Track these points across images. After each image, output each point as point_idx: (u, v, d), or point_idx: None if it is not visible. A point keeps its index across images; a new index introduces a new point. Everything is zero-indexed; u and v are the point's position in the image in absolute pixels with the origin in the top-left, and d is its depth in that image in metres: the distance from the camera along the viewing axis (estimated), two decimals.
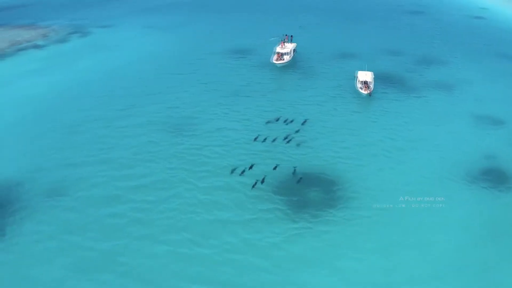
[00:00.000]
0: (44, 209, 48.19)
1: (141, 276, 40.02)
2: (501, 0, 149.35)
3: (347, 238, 44.07)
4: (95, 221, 46.44)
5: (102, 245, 43.38)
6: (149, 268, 40.76)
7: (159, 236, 44.11)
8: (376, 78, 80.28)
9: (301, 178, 52.06)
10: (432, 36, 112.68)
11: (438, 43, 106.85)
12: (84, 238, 44.28)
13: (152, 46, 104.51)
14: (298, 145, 58.83)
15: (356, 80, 76.78)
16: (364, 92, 73.59)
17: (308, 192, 49.88)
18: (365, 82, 74.56)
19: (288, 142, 59.21)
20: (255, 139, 60.00)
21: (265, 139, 59.74)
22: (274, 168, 53.46)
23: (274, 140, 59.60)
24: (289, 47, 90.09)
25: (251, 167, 53.46)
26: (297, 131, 61.99)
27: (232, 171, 53.25)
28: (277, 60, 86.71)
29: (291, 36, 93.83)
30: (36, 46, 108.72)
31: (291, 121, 64.51)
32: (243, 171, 53.06)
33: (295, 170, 53.33)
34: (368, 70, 78.94)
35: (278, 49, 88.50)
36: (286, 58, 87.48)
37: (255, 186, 50.27)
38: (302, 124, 63.81)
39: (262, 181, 51.05)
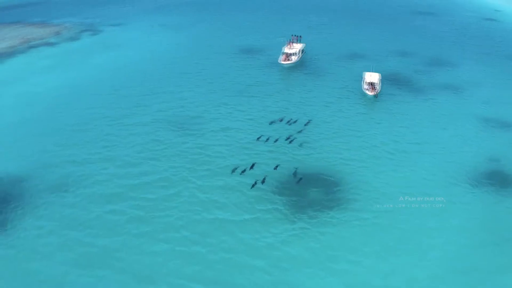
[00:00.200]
0: (46, 205, 48.89)
1: (139, 272, 40.37)
2: None
3: (345, 239, 43.92)
4: (96, 217, 46.96)
5: (101, 242, 43.87)
6: (147, 265, 41.11)
7: (158, 234, 44.47)
8: (384, 79, 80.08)
9: (301, 178, 52.09)
10: (442, 37, 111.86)
11: (449, 44, 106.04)
12: (84, 234, 44.83)
13: (161, 45, 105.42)
14: (300, 145, 58.86)
15: (363, 81, 76.55)
16: (370, 93, 73.36)
17: (308, 192, 49.84)
18: (372, 83, 74.33)
19: (290, 142, 59.25)
20: (258, 139, 60.21)
21: (267, 139, 59.89)
22: (275, 168, 53.60)
23: (276, 140, 59.72)
24: (297, 47, 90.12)
25: (252, 167, 53.65)
26: (299, 132, 61.97)
27: (233, 170, 53.47)
28: (284, 60, 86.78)
29: (299, 36, 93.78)
30: (48, 44, 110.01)
31: (295, 122, 64.62)
32: (244, 171, 53.30)
33: (295, 170, 53.34)
34: (375, 71, 78.69)
35: (286, 49, 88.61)
36: (294, 58, 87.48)
37: (255, 186, 50.37)
38: (305, 125, 63.80)
39: (263, 181, 51.17)
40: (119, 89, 79.53)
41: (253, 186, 50.31)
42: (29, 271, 40.92)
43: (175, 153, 57.65)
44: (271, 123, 64.63)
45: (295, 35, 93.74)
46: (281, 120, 64.98)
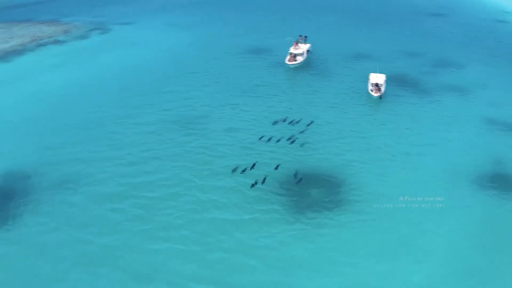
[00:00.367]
0: (49, 202, 49.45)
1: (138, 271, 40.67)
2: None
3: (344, 241, 43.82)
4: (97, 215, 47.41)
5: (102, 239, 44.27)
6: (146, 263, 41.41)
7: (157, 233, 44.78)
8: (390, 80, 79.86)
9: (301, 179, 52.10)
10: (451, 39, 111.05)
11: (457, 46, 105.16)
12: (85, 232, 45.26)
13: (170, 44, 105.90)
14: (302, 145, 58.84)
15: (369, 82, 76.38)
16: (375, 94, 73.21)
17: (308, 193, 49.85)
18: (377, 85, 74.15)
19: (291, 143, 59.28)
20: (260, 138, 60.31)
21: (269, 139, 60.00)
22: (276, 168, 53.67)
23: (278, 140, 59.80)
24: (303, 48, 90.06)
25: (252, 167, 53.78)
26: (301, 132, 62.03)
27: (234, 170, 53.66)
28: (289, 61, 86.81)
29: (305, 36, 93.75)
30: (57, 42, 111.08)
31: (297, 122, 64.64)
32: (244, 170, 53.50)
33: (296, 171, 53.35)
34: (381, 72, 78.49)
35: (292, 49, 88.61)
36: (300, 59, 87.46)
37: (255, 186, 50.52)
38: (308, 125, 63.76)
39: (263, 182, 51.26)
40: (125, 88, 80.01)
41: (252, 186, 50.44)
42: (29, 268, 41.38)
43: (178, 152, 57.93)
44: (274, 123, 64.74)
45: (301, 35, 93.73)
46: (284, 120, 65.06)
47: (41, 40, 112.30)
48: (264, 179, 51.52)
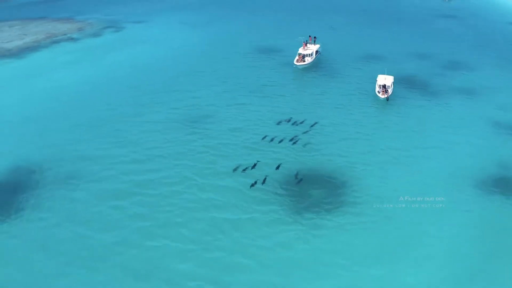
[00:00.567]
0: (52, 198, 50.05)
1: (135, 267, 40.99)
2: None
3: (341, 243, 43.63)
4: (98, 212, 47.87)
5: (102, 236, 44.63)
6: (143, 260, 41.72)
7: (156, 230, 45.11)
8: (399, 82, 79.58)
9: (301, 179, 52.18)
10: (463, 41, 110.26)
11: (469, 48, 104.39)
12: (86, 227, 45.69)
13: (180, 43, 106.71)
14: (305, 146, 58.91)
15: (376, 83, 76.17)
16: (382, 96, 72.99)
17: (307, 194, 49.83)
18: (384, 86, 73.90)
19: (294, 143, 59.35)
20: (263, 138, 60.54)
21: (272, 139, 60.17)
22: (277, 168, 53.79)
23: (281, 140, 59.90)
24: (312, 48, 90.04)
25: (253, 167, 54.03)
26: (304, 132, 62.12)
27: (235, 169, 53.97)
28: (298, 61, 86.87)
29: (315, 37, 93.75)
30: (71, 39, 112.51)
31: (301, 122, 64.68)
32: (245, 169, 53.80)
33: (297, 171, 53.45)
34: (389, 74, 78.20)
35: (300, 50, 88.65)
36: (308, 59, 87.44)
37: (255, 186, 50.72)
38: (312, 126, 63.78)
39: (263, 182, 51.43)
40: (135, 86, 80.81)
41: (252, 185, 50.67)
42: (30, 262, 41.93)
43: (181, 151, 58.38)
44: (279, 123, 64.94)
45: (311, 36, 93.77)
46: (288, 121, 65.19)
47: (55, 37, 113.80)
48: (265, 179, 51.68)
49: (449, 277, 40.55)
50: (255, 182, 51.18)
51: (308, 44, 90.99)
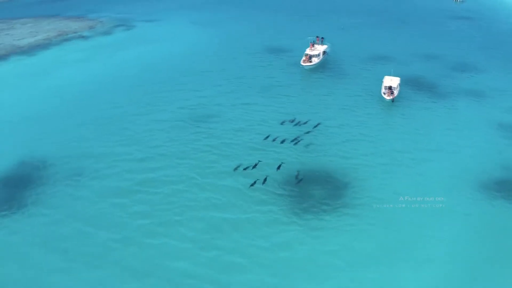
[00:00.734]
0: (56, 194, 50.83)
1: (132, 265, 41.41)
2: None
3: (339, 244, 43.58)
4: (100, 209, 48.46)
5: (101, 233, 45.10)
6: (142, 257, 42.16)
7: (156, 228, 45.53)
8: (406, 83, 79.37)
9: (301, 179, 52.29)
10: (474, 43, 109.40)
11: (480, 50, 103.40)
12: (86, 224, 46.26)
13: (189, 42, 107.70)
14: (307, 147, 58.96)
15: (382, 85, 75.98)
16: (387, 97, 72.81)
17: (307, 195, 49.83)
18: (390, 88, 73.70)
19: (296, 143, 59.44)
20: (265, 138, 60.74)
21: (275, 139, 60.35)
22: (278, 168, 53.93)
23: (283, 141, 60.03)
24: (319, 49, 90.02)
25: (254, 166, 54.26)
26: (307, 133, 62.22)
27: (235, 168, 54.28)
28: (304, 62, 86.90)
29: (322, 38, 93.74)
30: (82, 37, 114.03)
31: (305, 123, 64.73)
32: (246, 169, 54.07)
33: (298, 172, 53.54)
34: (396, 75, 77.91)
35: (308, 51, 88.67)
36: (315, 60, 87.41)
37: (255, 186, 50.90)
38: (315, 127, 63.80)
39: (264, 182, 51.56)
40: (143, 84, 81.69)
41: (252, 185, 50.89)
42: (30, 258, 42.61)
43: (184, 150, 58.84)
44: (282, 123, 65.13)
45: (318, 37, 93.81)
46: (292, 121, 65.33)
47: (66, 35, 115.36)
48: (265, 179, 51.83)
49: (448, 281, 40.29)
50: (255, 182, 51.38)
51: (315, 45, 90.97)
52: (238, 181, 51.94)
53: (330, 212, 47.43)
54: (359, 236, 44.73)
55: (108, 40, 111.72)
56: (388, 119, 68.67)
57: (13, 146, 60.40)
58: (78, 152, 58.90)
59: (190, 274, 40.39)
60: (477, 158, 58.28)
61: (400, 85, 76.68)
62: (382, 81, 76.98)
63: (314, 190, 50.73)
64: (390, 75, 77.76)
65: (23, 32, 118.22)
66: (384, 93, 73.59)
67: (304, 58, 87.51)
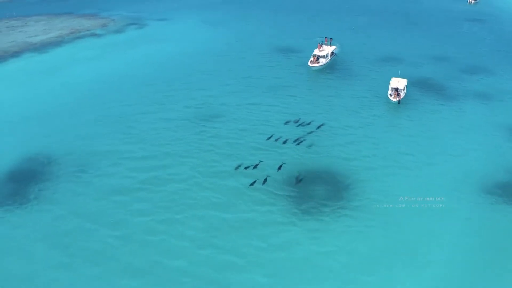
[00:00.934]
0: (59, 191, 51.64)
1: (130, 262, 41.91)
2: None
3: (336, 247, 43.54)
4: (101, 206, 49.13)
5: (102, 230, 45.74)
6: (139, 255, 42.59)
7: (155, 225, 46.04)
8: (414, 85, 79.18)
9: (301, 180, 52.45)
10: (486, 45, 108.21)
11: (491, 53, 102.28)
12: (88, 221, 46.91)
13: (200, 42, 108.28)
14: (309, 147, 59.07)
15: (389, 86, 75.70)
16: (393, 99, 72.57)
17: (307, 195, 49.92)
18: (396, 89, 73.43)
19: (298, 144, 59.57)
20: (268, 138, 60.96)
21: (277, 139, 60.54)
22: (279, 169, 54.09)
23: (285, 141, 60.23)
24: (327, 50, 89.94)
25: (255, 166, 54.52)
26: (309, 133, 62.39)
27: (236, 168, 54.63)
28: (312, 63, 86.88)
29: (331, 38, 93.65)
30: (94, 35, 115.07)
31: (308, 124, 64.87)
32: (247, 168, 54.41)
33: (299, 172, 53.66)
34: (404, 77, 77.53)
35: (315, 51, 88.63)
36: (323, 61, 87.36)
37: (255, 185, 51.15)
38: (318, 127, 63.88)
39: (264, 182, 51.75)
40: (151, 83, 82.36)
41: (251, 184, 51.17)
42: (31, 252, 43.31)
43: (188, 149, 59.28)
44: (286, 123, 65.36)
45: (327, 37, 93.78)
46: (296, 122, 65.48)
47: (79, 33, 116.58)
48: (265, 179, 52.06)
49: (447, 285, 40.17)
50: (255, 182, 51.66)
51: (323, 46, 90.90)
52: (239, 181, 52.24)
53: (329, 213, 47.48)
54: (357, 238, 44.73)
55: (119, 39, 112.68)
56: (394, 121, 68.45)
57: (20, 142, 61.46)
58: (83, 149, 59.67)
59: (187, 272, 40.74)
60: (482, 161, 57.87)
61: (407, 87, 76.41)
62: (389, 83, 76.63)
63: (314, 191, 50.83)
64: (397, 76, 77.36)
65: (37, 30, 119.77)
66: (391, 95, 73.36)
67: (311, 59, 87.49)
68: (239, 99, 74.34)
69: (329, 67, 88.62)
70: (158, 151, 59.05)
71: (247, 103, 72.60)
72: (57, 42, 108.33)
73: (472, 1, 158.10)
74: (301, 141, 60.28)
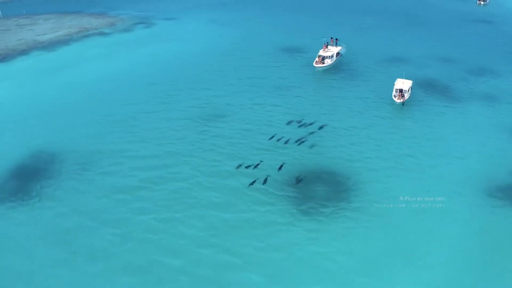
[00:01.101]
0: (61, 188, 51.99)
1: (129, 260, 42.20)
2: None
3: (334, 248, 43.46)
4: (103, 204, 49.43)
5: (102, 228, 46.06)
6: (138, 253, 42.87)
7: (155, 223, 46.33)
8: (420, 86, 78.98)
9: (301, 180, 52.52)
10: (494, 47, 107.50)
11: (499, 55, 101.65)
12: (88, 218, 47.23)
13: (207, 42, 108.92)
14: (311, 148, 59.10)
15: (394, 87, 75.50)
16: (397, 100, 72.39)
17: (307, 196, 49.87)
18: (401, 91, 73.23)
19: (299, 144, 59.62)
20: (270, 138, 61.09)
21: (279, 140, 60.63)
22: (279, 169, 54.19)
23: (287, 141, 60.28)
24: (333, 50, 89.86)
25: (256, 166, 54.67)
26: (311, 133, 62.47)
27: (237, 167, 54.85)
28: (317, 63, 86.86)
29: (336, 39, 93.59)
30: (102, 34, 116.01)
31: (311, 124, 64.85)
32: (248, 167, 54.61)
33: (299, 173, 53.68)
34: (409, 78, 77.33)
35: (321, 52, 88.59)
36: (328, 62, 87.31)
37: (254, 185, 51.28)
38: (320, 128, 63.89)
39: (264, 182, 51.86)
40: (156, 83, 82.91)
41: (251, 184, 51.33)
42: (32, 249, 43.70)
43: (190, 148, 59.45)
44: (289, 123, 65.45)
45: (332, 38, 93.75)
46: (299, 122, 65.53)
47: (87, 32, 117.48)
48: (266, 179, 52.17)
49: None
50: (255, 181, 51.83)
51: (329, 46, 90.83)
52: (239, 181, 52.38)
53: (328, 214, 47.46)
54: (355, 239, 44.60)
55: (127, 38, 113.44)
56: (397, 122, 68.28)
57: (24, 140, 62.09)
58: (86, 147, 60.14)
59: (186, 271, 40.90)
60: (485, 164, 57.52)
61: (412, 88, 76.18)
62: (394, 84, 76.48)
63: (314, 191, 50.84)
64: (402, 77, 77.12)
65: (45, 28, 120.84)
66: (395, 96, 73.17)
67: (316, 59, 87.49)
68: (243, 99, 74.53)
69: (334, 67, 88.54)
70: (160, 150, 59.36)
71: (251, 103, 72.78)
72: (65, 41, 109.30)
73: (482, 2, 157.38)
74: (303, 142, 60.31)
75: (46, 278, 40.77)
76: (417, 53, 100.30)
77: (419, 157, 58.52)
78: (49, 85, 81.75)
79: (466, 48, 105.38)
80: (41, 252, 43.42)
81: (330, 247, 43.58)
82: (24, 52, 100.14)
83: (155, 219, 47.11)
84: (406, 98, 72.96)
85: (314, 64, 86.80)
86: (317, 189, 51.31)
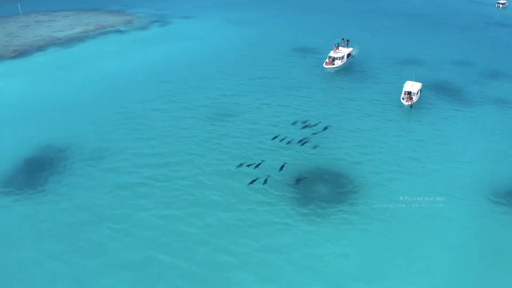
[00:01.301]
0: (67, 184, 52.91)
1: (125, 256, 42.85)
2: None
3: (330, 250, 43.54)
4: (105, 199, 50.31)
5: (103, 223, 46.86)
6: (134, 249, 43.48)
7: (154, 221, 46.99)
8: (431, 89, 78.69)
9: (301, 180, 52.76)
10: (509, 51, 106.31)
11: None
12: (90, 214, 48.17)
13: (221, 41, 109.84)
14: (314, 148, 59.29)
15: (402, 90, 75.15)
16: (406, 103, 72.07)
17: (306, 197, 50.06)
18: (409, 93, 72.89)
19: (302, 144, 59.82)
20: (273, 138, 61.40)
21: (282, 140, 60.90)
22: (281, 169, 54.45)
23: (290, 141, 60.53)
24: (344, 51, 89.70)
25: (257, 166, 55.03)
26: (314, 134, 62.66)
27: (239, 166, 55.32)
28: (327, 64, 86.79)
29: (347, 40, 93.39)
30: (118, 31, 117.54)
31: (315, 125, 65.01)
32: (249, 166, 55.10)
33: (300, 173, 53.92)
34: (418, 80, 76.97)
35: (331, 53, 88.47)
36: (338, 63, 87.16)
37: (253, 184, 51.69)
38: (324, 129, 64.01)
39: (265, 181, 52.16)
40: (169, 81, 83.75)
41: (250, 183, 51.74)
42: (34, 243, 44.69)
43: (196, 147, 60.06)
44: (294, 123, 65.74)
45: (344, 39, 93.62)
46: (304, 122, 65.72)
47: (104, 29, 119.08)
48: (266, 179, 52.50)
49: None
50: (254, 180, 52.22)
51: (340, 47, 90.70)
52: (240, 180, 52.77)
53: (326, 216, 47.57)
54: (352, 241, 44.68)
55: (143, 35, 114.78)
56: (404, 125, 68.08)
57: (36, 134, 63.41)
58: (94, 143, 61.15)
59: (182, 268, 41.43)
60: (490, 169, 56.92)
61: (421, 90, 75.77)
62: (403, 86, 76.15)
63: (314, 192, 50.99)
64: (411, 80, 76.73)
65: (63, 25, 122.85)
66: (403, 98, 72.84)
67: (327, 60, 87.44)
68: (252, 99, 74.95)
69: (344, 69, 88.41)
70: (165, 148, 60.03)
71: (260, 103, 73.14)
72: (82, 38, 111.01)
73: (500, 6, 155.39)
74: (306, 142, 60.49)
75: (46, 271, 41.66)
76: (431, 56, 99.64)
77: (423, 161, 58.24)
78: (63, 81, 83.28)
79: (482, 52, 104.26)
80: (44, 245, 44.27)
81: (328, 249, 43.60)
82: (41, 48, 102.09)
83: (155, 215, 47.78)
84: (414, 101, 72.61)
85: (324, 65, 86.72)
86: (317, 190, 51.46)
